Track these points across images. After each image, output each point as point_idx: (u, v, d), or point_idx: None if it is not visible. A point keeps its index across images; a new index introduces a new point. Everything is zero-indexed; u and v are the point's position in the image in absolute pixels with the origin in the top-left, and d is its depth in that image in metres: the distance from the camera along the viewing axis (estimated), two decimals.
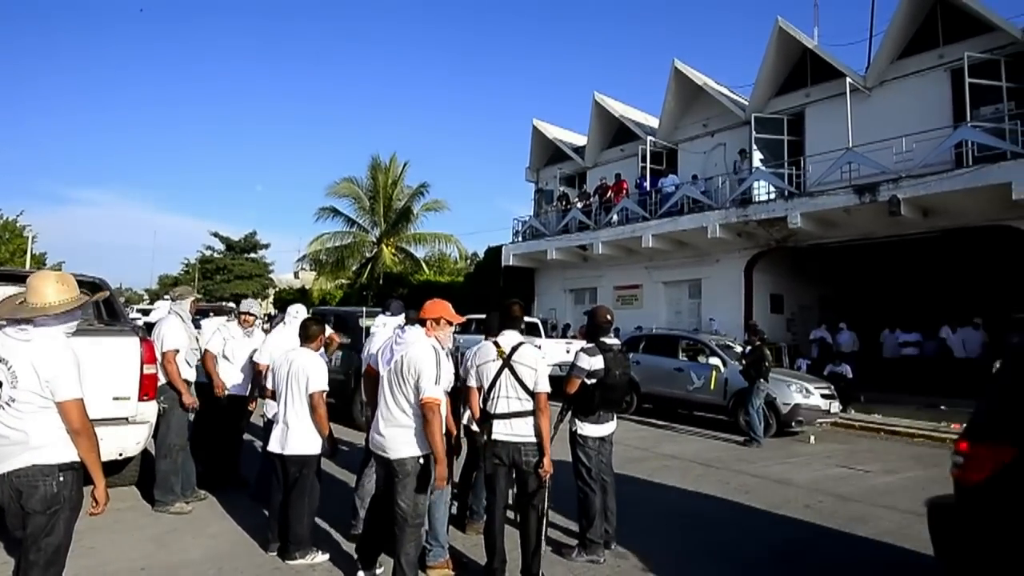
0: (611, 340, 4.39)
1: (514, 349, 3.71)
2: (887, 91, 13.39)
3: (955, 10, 12.42)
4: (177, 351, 5.00)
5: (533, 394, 3.64)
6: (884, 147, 12.00)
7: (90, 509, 2.59)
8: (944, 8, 12.64)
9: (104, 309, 5.77)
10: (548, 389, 3.68)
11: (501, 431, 3.65)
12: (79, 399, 2.48)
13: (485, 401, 3.76)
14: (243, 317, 5.80)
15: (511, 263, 19.65)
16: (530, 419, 3.64)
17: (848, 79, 13.23)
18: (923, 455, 8.98)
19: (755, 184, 14.20)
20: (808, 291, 16.48)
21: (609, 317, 4.44)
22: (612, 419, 4.48)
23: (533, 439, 3.62)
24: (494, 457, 3.68)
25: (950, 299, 14.36)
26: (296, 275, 43.60)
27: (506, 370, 3.68)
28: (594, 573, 4.11)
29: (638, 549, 4.55)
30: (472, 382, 3.85)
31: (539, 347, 4.87)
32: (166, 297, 5.90)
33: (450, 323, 3.61)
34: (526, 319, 5.45)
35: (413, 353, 3.36)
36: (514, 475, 3.75)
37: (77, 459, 2.50)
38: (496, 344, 3.78)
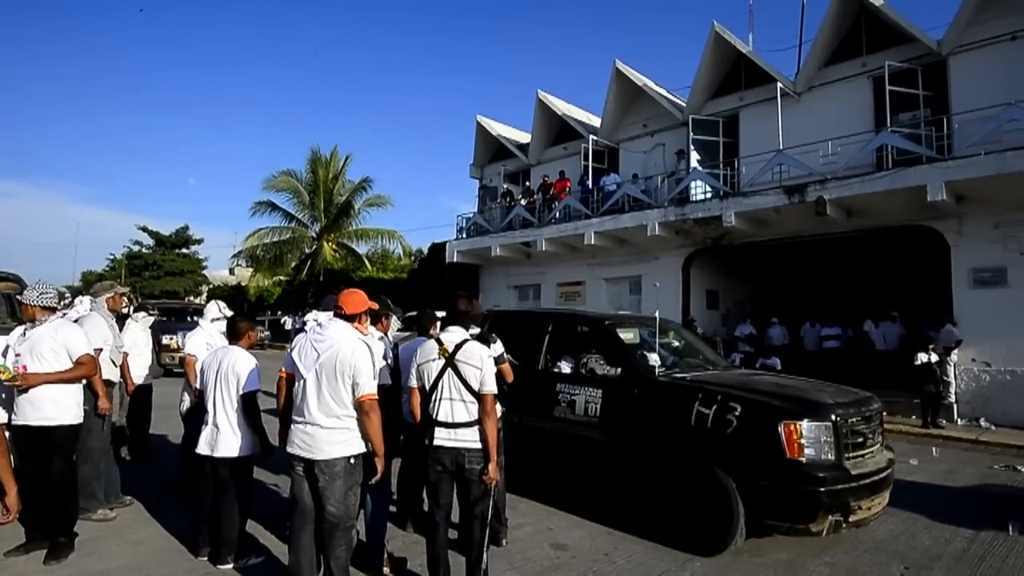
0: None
1: (458, 347, 3.45)
2: (815, 96, 14.00)
3: (877, 21, 13.11)
4: (100, 351, 4.76)
5: (478, 395, 3.39)
6: (812, 150, 12.55)
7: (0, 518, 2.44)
8: (867, 19, 13.31)
9: (18, 307, 5.44)
10: (495, 390, 3.43)
11: (443, 436, 3.41)
12: None
13: (427, 403, 3.49)
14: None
15: (455, 260, 19.55)
16: (474, 424, 3.40)
17: (779, 84, 13.76)
18: None
19: (692, 184, 14.60)
20: (742, 287, 17.08)
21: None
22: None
23: (478, 444, 3.37)
24: (436, 464, 3.43)
25: (871, 294, 15.16)
26: (231, 271, 42.04)
27: (449, 370, 3.42)
28: (533, 564, 4.16)
29: (577, 539, 4.63)
30: (414, 382, 3.57)
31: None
32: (82, 296, 5.51)
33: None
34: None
35: (346, 350, 3.26)
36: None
37: None
38: (439, 341, 3.54)
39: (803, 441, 4.07)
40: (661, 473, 4.57)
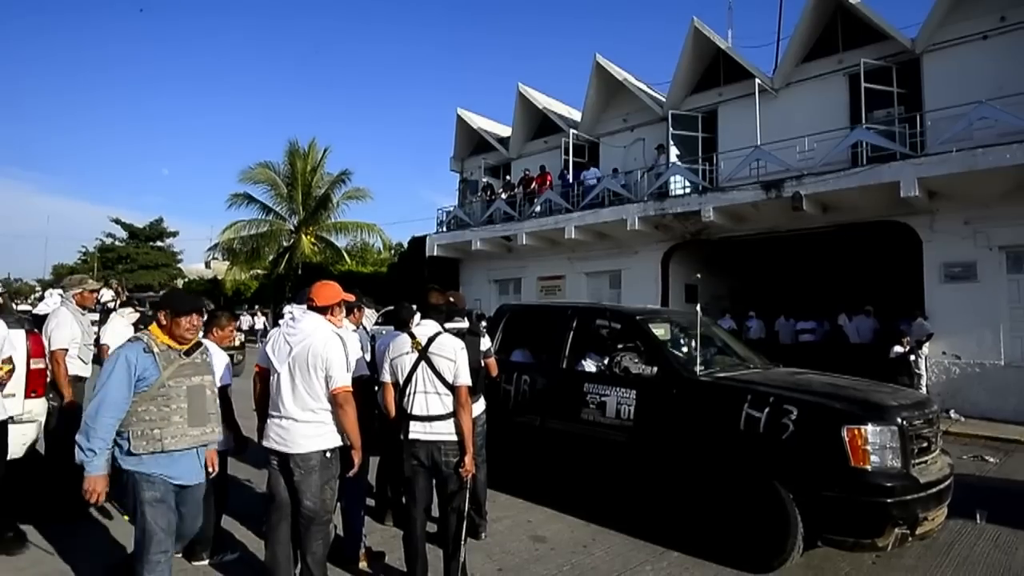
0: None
1: (431, 340, 3.45)
2: (792, 92, 14.15)
3: (853, 19, 13.28)
4: (66, 350, 4.65)
5: (453, 388, 3.40)
6: (789, 146, 12.69)
7: None
8: (844, 16, 13.47)
9: None
10: (469, 382, 3.43)
11: (419, 430, 3.40)
12: None
13: (401, 397, 3.47)
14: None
15: (435, 253, 19.48)
16: (449, 416, 3.41)
17: (757, 80, 13.88)
18: None
19: (672, 179, 14.70)
20: (720, 282, 17.22)
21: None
22: (479, 399, 4.38)
23: (453, 437, 3.39)
24: (412, 458, 3.42)
25: (845, 288, 15.41)
26: (207, 265, 41.49)
27: (423, 363, 3.41)
28: (512, 557, 4.16)
29: (555, 532, 4.66)
30: (387, 377, 3.55)
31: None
32: (52, 290, 5.37)
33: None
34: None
35: (318, 342, 3.23)
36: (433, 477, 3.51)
37: None
38: (411, 335, 3.52)
39: (868, 447, 3.74)
40: (705, 481, 4.23)
